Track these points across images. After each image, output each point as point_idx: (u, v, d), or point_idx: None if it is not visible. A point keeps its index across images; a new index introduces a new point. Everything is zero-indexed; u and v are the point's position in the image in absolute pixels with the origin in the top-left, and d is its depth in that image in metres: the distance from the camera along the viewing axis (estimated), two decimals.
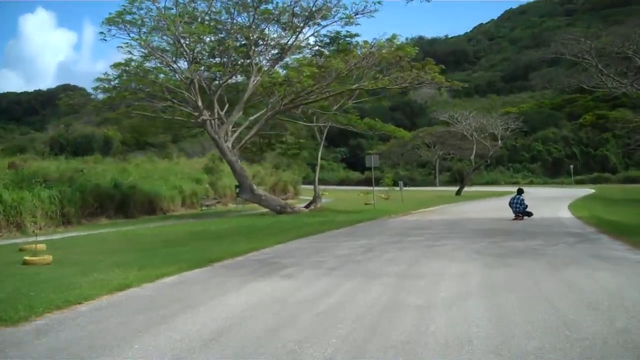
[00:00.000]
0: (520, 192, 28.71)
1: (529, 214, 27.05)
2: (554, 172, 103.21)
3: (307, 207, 39.21)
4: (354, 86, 35.31)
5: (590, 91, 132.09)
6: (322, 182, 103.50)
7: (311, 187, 47.62)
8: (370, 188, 50.56)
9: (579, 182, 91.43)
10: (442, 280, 11.19)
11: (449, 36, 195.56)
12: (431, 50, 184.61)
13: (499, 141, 67.44)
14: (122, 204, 38.11)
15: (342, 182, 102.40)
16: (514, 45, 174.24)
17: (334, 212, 36.00)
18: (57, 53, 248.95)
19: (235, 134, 36.08)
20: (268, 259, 15.36)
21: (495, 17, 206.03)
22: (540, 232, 20.65)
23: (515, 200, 27.71)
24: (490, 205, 43.49)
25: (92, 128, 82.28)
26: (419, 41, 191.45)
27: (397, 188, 52.63)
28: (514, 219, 26.79)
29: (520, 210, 27.21)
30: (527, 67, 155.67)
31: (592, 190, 65.61)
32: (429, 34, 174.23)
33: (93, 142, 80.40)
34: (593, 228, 22.05)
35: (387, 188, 58.29)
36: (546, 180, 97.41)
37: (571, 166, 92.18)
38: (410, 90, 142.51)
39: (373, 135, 60.69)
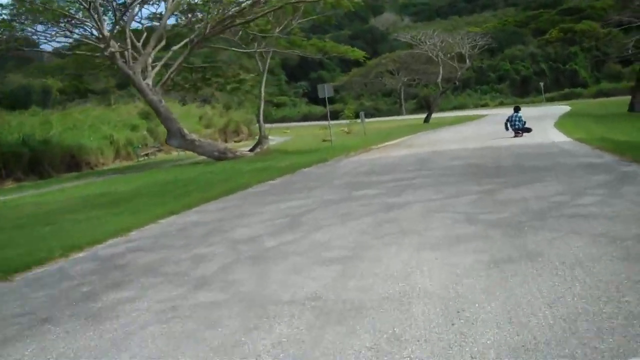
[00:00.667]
0: (517, 109, 28.69)
1: (529, 130, 27.27)
2: (523, 91, 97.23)
3: (252, 150, 32.86)
4: None
5: (553, 5, 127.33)
6: (285, 119, 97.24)
7: (274, 125, 41.50)
8: (332, 122, 44.24)
9: (550, 100, 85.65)
10: (406, 324, 4.85)
11: None
12: None
13: (467, 61, 60.79)
14: (34, 162, 32.07)
15: (305, 118, 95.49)
16: None
17: (282, 155, 29.98)
18: None
19: (156, 69, 29.41)
20: (114, 256, 9.10)
21: None
22: (547, 167, 14.34)
23: (514, 118, 27.86)
24: (464, 131, 37.66)
25: (31, 79, 74.78)
26: None
27: (359, 120, 45.94)
28: (514, 137, 26.69)
29: (519, 127, 27.33)
30: None
31: (568, 107, 59.65)
32: None
33: (32, 94, 72.89)
34: (610, 154, 15.83)
35: (348, 121, 51.86)
36: (516, 100, 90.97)
37: (541, 83, 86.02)
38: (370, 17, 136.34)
39: (327, 59, 53.73)
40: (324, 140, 39.51)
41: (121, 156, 39.59)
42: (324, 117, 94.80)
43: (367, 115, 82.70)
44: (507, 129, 27.96)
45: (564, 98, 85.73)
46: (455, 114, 76.32)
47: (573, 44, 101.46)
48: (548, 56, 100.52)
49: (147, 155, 39.76)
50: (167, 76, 30.00)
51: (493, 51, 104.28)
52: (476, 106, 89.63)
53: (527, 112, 55.19)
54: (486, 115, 62.20)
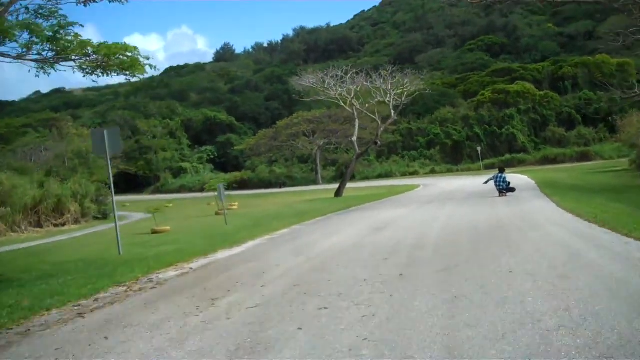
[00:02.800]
0: (502, 170, 28.08)
1: (513, 190, 26.64)
2: (455, 157, 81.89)
3: None
4: None
5: (482, 68, 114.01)
6: (182, 189, 79.45)
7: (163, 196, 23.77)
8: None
9: (489, 167, 70.01)
10: None
11: (331, 25, 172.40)
12: (312, 40, 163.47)
13: (392, 112, 44.10)
14: None
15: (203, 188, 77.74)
16: (398, 30, 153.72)
17: None
18: None
19: None
20: None
21: (377, 3, 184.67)
22: None
23: (499, 179, 26.96)
24: (397, 222, 20.32)
25: None
26: (300, 32, 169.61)
27: (219, 194, 27.62)
28: (499, 196, 26.07)
29: (504, 187, 26.59)
30: (413, 50, 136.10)
31: (526, 177, 43.45)
32: (311, 24, 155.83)
33: None
34: None
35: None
36: (450, 167, 75.75)
37: (478, 148, 70.93)
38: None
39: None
40: (154, 232, 21.60)
41: None
42: (240, 185, 78.13)
43: (279, 185, 65.75)
44: (496, 184, 26.84)
45: (507, 166, 70.23)
46: (379, 183, 59.81)
47: (507, 107, 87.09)
48: (482, 119, 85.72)
49: None
50: None
51: (420, 114, 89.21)
52: (404, 174, 73.47)
53: (473, 184, 39.62)
54: (417, 185, 45.95)
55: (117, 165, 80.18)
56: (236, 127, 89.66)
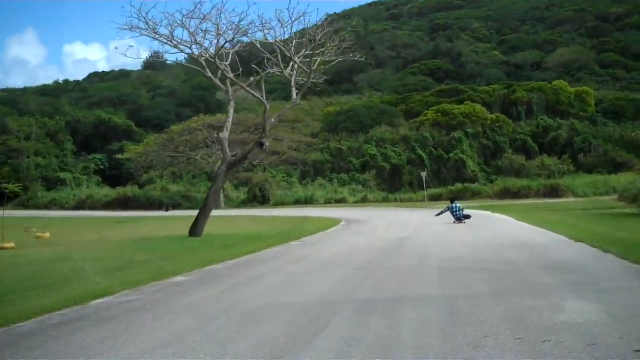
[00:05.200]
0: (454, 200, 27.25)
1: (469, 217, 25.68)
2: (393, 184, 63.98)
3: None
4: None
5: (425, 91, 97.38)
6: (53, 204, 59.11)
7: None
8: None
9: (435, 198, 52.23)
10: None
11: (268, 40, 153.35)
12: (245, 52, 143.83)
13: (293, 92, 24.96)
14: None
15: (81, 205, 57.13)
16: (338, 49, 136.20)
17: None
18: None
19: None
20: None
21: (318, 21, 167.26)
22: None
23: (455, 209, 25.65)
24: None
25: None
26: (236, 43, 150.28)
27: None
28: (454, 223, 24.88)
29: (461, 215, 25.44)
30: (352, 70, 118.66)
31: (509, 218, 26.56)
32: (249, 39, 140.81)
33: None
34: None
35: None
36: (386, 195, 57.41)
37: (423, 174, 52.69)
38: None
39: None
40: None
41: None
42: (110, 204, 57.49)
43: (165, 207, 47.35)
44: (454, 214, 25.45)
45: (459, 198, 52.61)
46: (286, 212, 42.03)
47: (454, 130, 70.13)
48: (425, 141, 68.21)
49: None
50: None
51: (354, 131, 71.23)
52: (328, 201, 54.90)
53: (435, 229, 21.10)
54: (336, 222, 28.14)
55: None
56: (135, 133, 69.78)
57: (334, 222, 29.21)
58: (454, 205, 25.90)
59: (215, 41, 22.74)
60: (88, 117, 70.02)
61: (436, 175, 63.91)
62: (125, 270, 12.67)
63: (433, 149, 66.44)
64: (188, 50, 22.87)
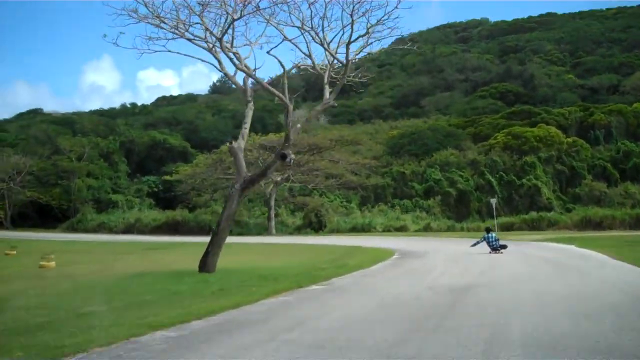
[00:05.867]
0: (489, 230, 25.93)
1: (505, 246, 24.27)
2: (459, 211, 58.08)
3: None
4: None
5: (495, 114, 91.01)
6: (101, 228, 55.53)
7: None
8: None
9: (507, 228, 46.23)
10: None
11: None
12: (312, 77, 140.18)
13: (326, 90, 19.96)
14: None
15: (129, 229, 53.54)
16: (405, 72, 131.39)
17: None
18: None
19: None
20: None
21: (386, 46, 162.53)
22: None
23: (491, 239, 24.40)
24: None
25: None
26: (303, 69, 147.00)
27: None
28: (490, 253, 23.58)
29: (497, 245, 24.12)
30: (419, 93, 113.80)
31: (593, 252, 21.64)
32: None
33: None
34: None
35: None
36: (452, 224, 51.53)
37: (492, 201, 46.43)
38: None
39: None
40: None
41: None
42: (172, 228, 52.10)
43: (211, 233, 43.12)
44: (490, 244, 24.18)
45: (532, 227, 46.64)
46: (336, 240, 37.14)
47: (525, 154, 63.95)
48: (495, 165, 62.19)
49: None
50: None
51: (417, 155, 65.86)
52: (387, 229, 49.56)
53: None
54: (389, 253, 22.92)
55: (21, 192, 57.33)
56: (190, 154, 66.05)
57: (385, 254, 24.16)
58: (489, 235, 24.94)
59: (222, 21, 17.88)
60: (142, 138, 67.04)
61: (507, 202, 57.69)
62: (44, 331, 8.21)
63: (504, 174, 60.28)
64: (197, 40, 17.93)
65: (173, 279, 15.80)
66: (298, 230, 52.35)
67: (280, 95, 17.78)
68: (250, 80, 18.91)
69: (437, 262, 20.18)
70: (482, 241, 24.65)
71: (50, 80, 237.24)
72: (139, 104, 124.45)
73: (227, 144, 17.80)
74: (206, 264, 17.15)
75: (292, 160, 17.67)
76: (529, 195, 57.69)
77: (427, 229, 48.74)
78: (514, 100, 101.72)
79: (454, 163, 64.22)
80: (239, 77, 19.00)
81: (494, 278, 14.94)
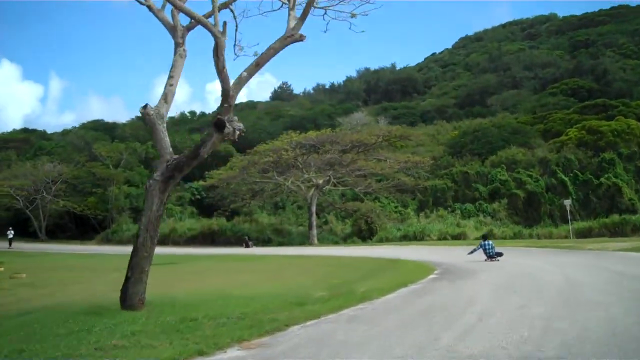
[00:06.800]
0: (486, 237, 24.99)
1: (501, 254, 23.58)
2: (528, 215, 50.38)
3: None
4: None
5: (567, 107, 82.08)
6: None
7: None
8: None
9: (584, 234, 38.51)
10: None
11: (398, 67, 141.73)
12: (373, 80, 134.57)
13: (292, 21, 12.96)
14: None
15: (163, 240, 48.47)
16: (470, 72, 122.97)
17: None
18: (23, 105, 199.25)
19: None
20: None
21: (450, 46, 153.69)
22: None
23: (487, 246, 23.64)
24: None
25: None
26: (364, 73, 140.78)
27: None
28: (486, 260, 22.98)
29: (493, 253, 23.44)
30: (484, 92, 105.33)
31: None
32: (377, 65, 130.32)
33: None
34: None
35: None
36: (519, 230, 43.82)
37: (567, 203, 38.65)
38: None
39: None
40: None
41: None
42: (208, 239, 45.74)
43: (243, 243, 38.42)
44: (486, 252, 23.41)
45: (614, 233, 38.88)
46: (379, 251, 30.40)
47: (601, 150, 55.65)
48: (568, 164, 54.18)
49: None
50: None
51: (481, 154, 58.52)
52: (443, 237, 42.60)
53: None
54: (421, 275, 16.13)
55: (54, 201, 53.20)
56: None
57: (421, 272, 17.74)
58: (486, 242, 24.15)
59: None
60: (185, 143, 61.91)
61: (583, 204, 49.54)
62: None
63: (578, 173, 52.09)
64: None
65: (67, 321, 9.96)
66: (344, 240, 46.02)
67: (207, 23, 11.10)
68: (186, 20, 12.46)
69: (483, 290, 13.46)
70: (478, 249, 23.85)
71: (122, 93, 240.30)
72: (194, 111, 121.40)
73: (141, 108, 11.45)
74: (126, 296, 11.13)
75: (237, 132, 11.05)
76: (609, 196, 49.32)
77: (490, 237, 41.44)
78: (587, 96, 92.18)
79: (522, 162, 56.46)
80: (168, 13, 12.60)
81: (574, 321, 8.37)
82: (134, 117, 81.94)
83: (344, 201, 52.27)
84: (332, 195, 53.67)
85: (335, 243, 44.23)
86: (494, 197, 53.43)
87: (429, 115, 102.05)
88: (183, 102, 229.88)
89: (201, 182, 51.53)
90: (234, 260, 28.86)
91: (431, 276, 16.88)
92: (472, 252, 23.93)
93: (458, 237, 42.05)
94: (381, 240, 43.21)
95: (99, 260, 30.28)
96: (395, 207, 53.06)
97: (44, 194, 51.82)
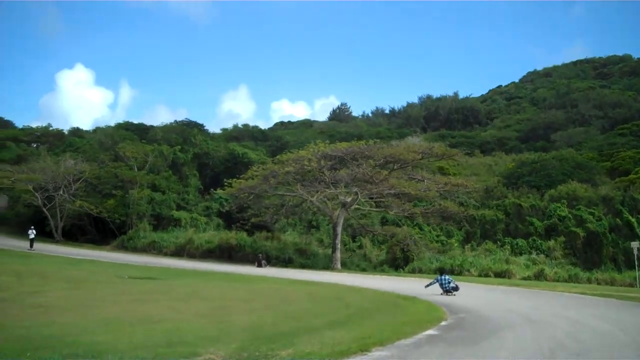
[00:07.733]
0: (443, 272, 26.08)
1: (456, 288, 22.58)
2: (588, 257, 42.96)
3: None
4: None
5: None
6: (152, 247, 43.84)
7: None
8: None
9: None
10: None
11: (460, 96, 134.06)
12: (434, 107, 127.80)
13: None
14: None
15: (179, 251, 43.27)
16: (535, 107, 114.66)
17: None
18: (92, 110, 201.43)
19: None
20: None
21: (517, 80, 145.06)
22: None
23: (445, 280, 22.84)
24: None
25: None
26: (426, 100, 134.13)
27: None
28: (441, 294, 22.11)
29: (450, 287, 22.57)
30: (549, 127, 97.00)
31: None
32: (440, 93, 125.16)
33: None
34: None
35: None
36: (576, 272, 36.56)
37: (635, 245, 31.72)
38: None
39: None
40: None
41: None
42: (226, 253, 40.19)
43: (257, 262, 33.28)
44: (443, 286, 22.59)
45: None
46: (402, 283, 24.39)
47: None
48: (635, 205, 46.76)
49: None
50: None
51: (539, 187, 51.60)
52: (485, 273, 36.08)
53: None
54: (427, 324, 9.91)
55: (69, 201, 49.00)
56: None
57: (423, 322, 11.94)
58: (443, 277, 23.22)
59: None
60: (219, 150, 56.84)
61: None
62: None
63: None
64: None
65: None
66: (375, 268, 39.92)
67: None
68: None
69: None
70: (435, 282, 23.14)
71: (189, 106, 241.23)
72: (248, 124, 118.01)
73: None
74: None
75: None
76: None
77: (539, 277, 34.58)
78: None
79: (584, 199, 49.16)
80: None
81: None
82: (172, 121, 78.27)
83: (382, 224, 46.30)
84: (372, 218, 47.73)
85: (363, 270, 38.17)
86: (549, 234, 46.34)
87: (488, 146, 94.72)
88: (247, 118, 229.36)
89: (219, 190, 46.57)
90: (224, 280, 23.57)
91: (429, 331, 11.04)
92: (429, 285, 23.06)
93: (502, 275, 35.29)
94: (413, 271, 36.95)
95: (92, 272, 25.49)
96: (437, 235, 46.71)
97: (62, 192, 47.71)
